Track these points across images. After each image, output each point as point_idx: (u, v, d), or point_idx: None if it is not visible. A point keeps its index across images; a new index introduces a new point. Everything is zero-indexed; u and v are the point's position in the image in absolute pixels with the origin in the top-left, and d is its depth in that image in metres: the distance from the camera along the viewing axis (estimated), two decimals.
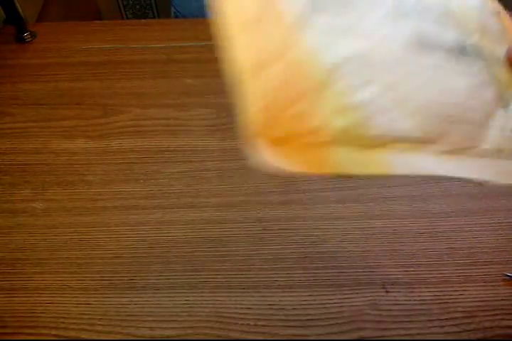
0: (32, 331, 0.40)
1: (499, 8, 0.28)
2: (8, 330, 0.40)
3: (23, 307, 0.42)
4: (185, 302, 0.42)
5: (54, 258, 0.44)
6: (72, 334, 0.40)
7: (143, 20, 0.76)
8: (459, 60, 0.23)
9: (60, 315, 0.41)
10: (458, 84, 0.23)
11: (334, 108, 0.20)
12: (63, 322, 0.41)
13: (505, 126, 0.23)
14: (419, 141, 0.21)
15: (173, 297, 0.42)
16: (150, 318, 0.41)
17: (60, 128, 0.55)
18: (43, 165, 0.52)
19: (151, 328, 0.40)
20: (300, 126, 0.20)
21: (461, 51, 0.23)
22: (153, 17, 1.28)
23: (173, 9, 0.88)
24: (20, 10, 0.66)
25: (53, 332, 0.40)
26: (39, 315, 0.41)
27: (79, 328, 0.40)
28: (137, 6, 1.25)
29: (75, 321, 0.41)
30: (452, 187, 0.49)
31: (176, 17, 0.88)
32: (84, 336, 0.40)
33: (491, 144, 0.22)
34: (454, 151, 0.22)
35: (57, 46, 0.65)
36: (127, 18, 1.27)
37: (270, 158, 0.19)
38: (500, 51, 0.25)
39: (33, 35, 0.67)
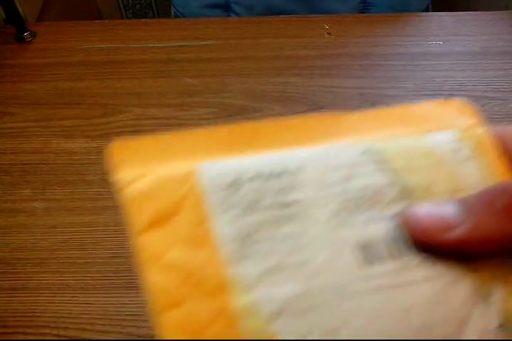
0: (32, 330, 0.40)
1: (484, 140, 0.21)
2: (8, 330, 0.40)
3: (23, 307, 0.42)
4: None
5: (54, 257, 0.44)
6: (73, 333, 0.40)
7: (143, 20, 0.77)
8: (418, 263, 0.19)
9: (60, 314, 0.41)
10: (416, 298, 0.18)
11: None
12: (64, 322, 0.41)
13: (486, 325, 0.18)
14: None
15: None
16: (150, 318, 0.41)
17: (60, 128, 0.55)
18: (42, 165, 0.52)
19: (151, 328, 0.40)
20: None
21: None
22: (153, 17, 1.28)
23: (173, 9, 0.88)
24: (20, 9, 0.66)
25: (54, 331, 0.40)
26: (39, 314, 0.41)
27: (79, 328, 0.40)
28: (137, 6, 1.25)
29: (75, 320, 0.41)
30: None
31: (176, 17, 0.88)
32: (84, 335, 0.40)
33: None
34: None
35: (57, 46, 0.65)
36: (127, 18, 1.27)
37: None
38: None
39: (33, 35, 0.67)
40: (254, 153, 0.20)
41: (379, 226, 0.19)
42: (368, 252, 0.19)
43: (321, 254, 0.19)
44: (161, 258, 0.19)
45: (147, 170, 0.20)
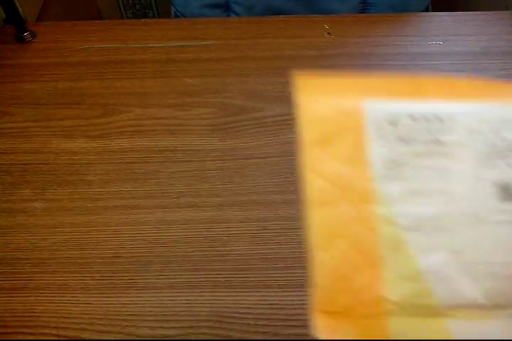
0: (32, 330, 0.40)
1: None
2: (8, 330, 0.40)
3: (23, 307, 0.42)
4: (185, 301, 0.42)
5: (54, 257, 0.44)
6: (72, 333, 0.40)
7: (143, 20, 0.77)
8: None
9: (60, 314, 0.41)
10: None
11: (396, 278, 0.20)
12: (63, 322, 0.41)
13: None
14: (487, 308, 0.20)
15: (174, 296, 0.42)
16: (150, 318, 0.41)
17: (60, 128, 0.55)
18: (42, 165, 0.52)
19: (151, 328, 0.40)
20: (361, 297, 0.20)
21: None
22: (153, 17, 1.28)
23: (173, 9, 0.88)
24: (20, 9, 0.65)
25: (53, 331, 0.40)
26: (39, 314, 0.41)
27: (79, 328, 0.40)
28: (137, 6, 1.25)
29: (75, 321, 0.41)
30: None
31: (176, 17, 0.88)
32: (84, 336, 0.40)
33: None
34: None
35: (57, 46, 0.65)
36: (127, 18, 1.27)
37: (329, 329, 0.20)
38: None
39: (33, 35, 0.67)
40: (414, 99, 0.23)
41: None
42: (507, 191, 0.21)
43: (463, 185, 0.21)
44: (322, 167, 0.22)
45: (326, 97, 0.24)
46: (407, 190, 0.21)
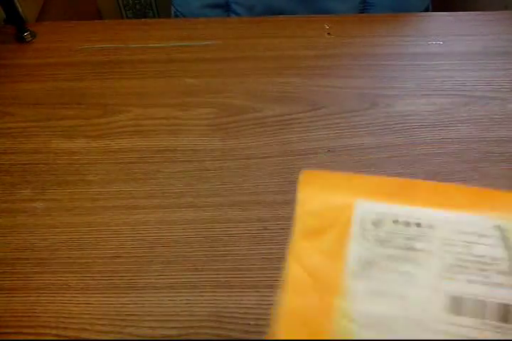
0: (32, 331, 0.40)
1: None
2: (8, 330, 0.40)
3: (23, 307, 0.42)
4: (185, 301, 0.42)
5: (54, 257, 0.44)
6: (72, 333, 0.40)
7: (143, 20, 0.77)
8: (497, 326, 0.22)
9: (60, 314, 0.41)
10: None
11: None
12: (63, 322, 0.41)
13: None
14: None
15: (174, 296, 0.42)
16: (150, 318, 0.41)
17: (60, 128, 0.55)
18: (42, 165, 0.52)
19: (151, 328, 0.40)
20: None
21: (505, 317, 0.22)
22: (154, 17, 1.28)
23: (173, 9, 0.88)
24: (20, 9, 0.66)
25: (53, 331, 0.40)
26: (39, 314, 0.41)
27: (79, 328, 0.40)
28: (137, 6, 1.25)
29: (75, 321, 0.41)
30: None
31: (176, 16, 0.88)
32: (84, 336, 0.40)
33: None
34: None
35: (57, 46, 0.65)
36: (127, 18, 1.27)
37: None
38: None
39: (33, 35, 0.67)
40: (401, 203, 0.26)
41: (479, 288, 0.23)
42: (458, 306, 0.23)
43: (420, 293, 0.23)
44: (304, 258, 0.25)
45: (323, 195, 0.27)
46: (370, 290, 0.23)
